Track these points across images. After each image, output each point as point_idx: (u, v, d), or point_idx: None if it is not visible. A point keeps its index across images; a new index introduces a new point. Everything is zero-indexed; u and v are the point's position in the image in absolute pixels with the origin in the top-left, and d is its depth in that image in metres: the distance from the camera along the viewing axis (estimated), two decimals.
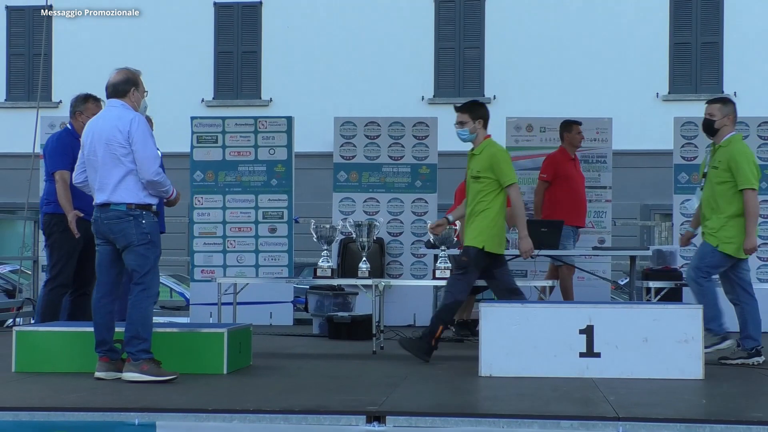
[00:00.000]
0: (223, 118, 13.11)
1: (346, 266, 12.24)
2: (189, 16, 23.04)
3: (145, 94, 7.51)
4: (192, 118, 13.12)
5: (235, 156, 12.81)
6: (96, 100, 9.18)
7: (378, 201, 12.91)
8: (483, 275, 8.72)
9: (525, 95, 21.79)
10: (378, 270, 12.07)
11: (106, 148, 7.19)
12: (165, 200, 7.48)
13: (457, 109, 8.79)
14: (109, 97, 7.40)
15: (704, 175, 8.73)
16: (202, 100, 22.81)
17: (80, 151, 7.46)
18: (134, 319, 7.16)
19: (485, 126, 8.76)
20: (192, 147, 12.90)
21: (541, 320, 7.48)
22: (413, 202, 12.90)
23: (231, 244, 12.71)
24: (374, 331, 9.45)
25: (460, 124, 8.72)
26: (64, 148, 8.92)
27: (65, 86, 21.71)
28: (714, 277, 8.60)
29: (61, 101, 22.39)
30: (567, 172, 11.47)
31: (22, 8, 23.38)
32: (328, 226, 9.64)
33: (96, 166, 7.24)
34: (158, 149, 7.38)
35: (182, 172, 13.73)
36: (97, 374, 7.19)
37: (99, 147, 7.22)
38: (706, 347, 7.90)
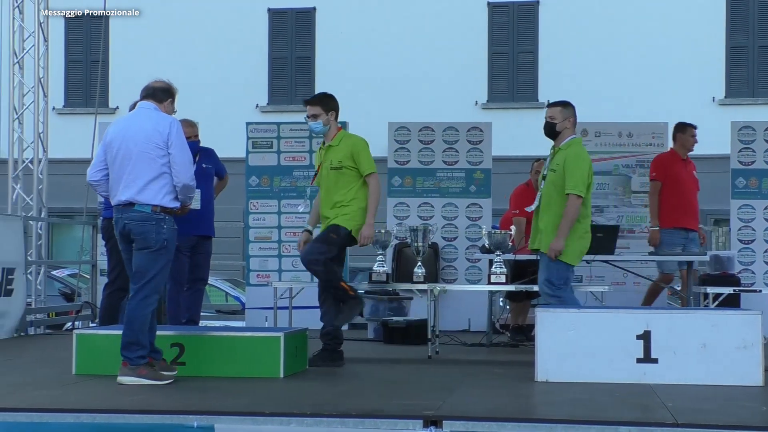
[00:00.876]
0: (278, 124, 13.19)
1: (401, 271, 12.24)
2: (243, 22, 23.19)
3: (174, 112, 7.63)
4: (247, 124, 13.22)
5: (290, 161, 12.88)
6: (190, 123, 9.34)
7: (432, 206, 12.91)
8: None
9: (579, 100, 21.40)
10: (433, 275, 12.06)
11: (142, 148, 7.22)
12: (179, 208, 7.47)
13: (309, 102, 8.63)
14: (144, 98, 7.46)
15: (544, 178, 8.68)
16: (257, 106, 22.94)
17: (100, 149, 7.50)
18: (133, 325, 7.17)
19: (337, 118, 8.68)
20: (247, 152, 12.98)
21: (598, 325, 7.44)
22: (467, 206, 12.89)
23: (286, 248, 12.77)
24: (429, 336, 9.45)
25: (314, 117, 8.56)
26: None
27: (122, 92, 21.94)
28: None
29: (117, 107, 22.62)
30: (676, 173, 11.14)
31: (80, 16, 23.63)
32: (383, 230, 9.64)
33: (126, 164, 7.26)
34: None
35: (238, 178, 13.80)
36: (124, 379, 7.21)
37: (133, 146, 7.24)
38: None
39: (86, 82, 23.75)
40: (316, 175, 8.77)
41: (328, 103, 8.63)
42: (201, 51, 23.03)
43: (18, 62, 13.26)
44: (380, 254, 9.57)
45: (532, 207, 8.71)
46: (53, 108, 21.39)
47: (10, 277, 11.10)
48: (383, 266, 9.52)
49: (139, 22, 23.04)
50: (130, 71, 22.65)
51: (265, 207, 12.86)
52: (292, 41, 23.40)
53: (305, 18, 23.39)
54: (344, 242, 8.53)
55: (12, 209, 13.17)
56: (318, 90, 22.83)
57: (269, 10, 23.38)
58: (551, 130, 8.65)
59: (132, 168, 7.23)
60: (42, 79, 13.30)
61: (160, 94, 7.43)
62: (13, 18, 13.24)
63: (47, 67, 13.41)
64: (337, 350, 8.49)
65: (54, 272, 16.67)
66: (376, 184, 8.57)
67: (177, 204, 7.32)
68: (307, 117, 8.58)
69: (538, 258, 8.58)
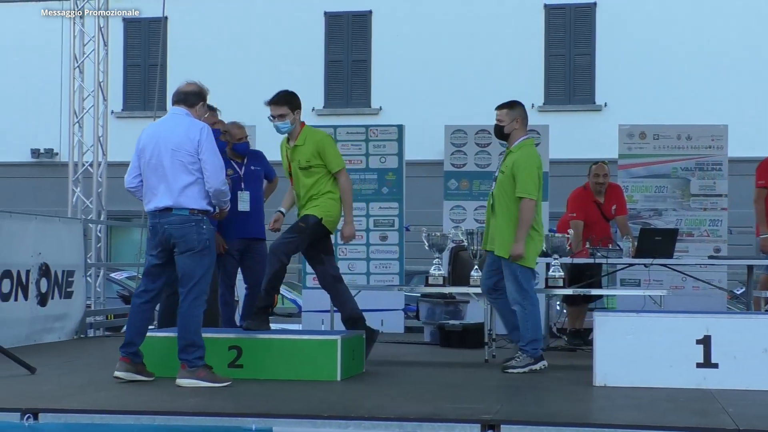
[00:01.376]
0: (335, 127, 13.21)
1: (457, 274, 12.16)
2: (299, 25, 23.27)
3: (206, 114, 7.67)
4: None
5: (347, 164, 12.86)
6: (213, 110, 9.35)
7: None
8: (312, 259, 8.55)
9: (637, 102, 21.51)
10: None
11: (174, 155, 7.26)
12: (217, 212, 7.51)
13: (274, 102, 8.42)
14: (175, 103, 7.51)
15: (495, 180, 8.67)
16: (313, 109, 23.01)
17: (134, 156, 7.55)
18: (189, 327, 7.23)
19: (300, 116, 8.55)
20: None
21: (657, 330, 7.37)
22: None
23: (342, 251, 12.79)
24: (486, 340, 9.42)
25: (280, 117, 8.37)
26: None
27: None
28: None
29: None
30: None
31: (139, 20, 23.84)
32: (439, 234, 9.65)
33: (159, 170, 7.30)
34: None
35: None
36: (117, 373, 7.28)
37: (165, 152, 7.29)
38: (516, 366, 8.26)
39: (144, 85, 23.98)
40: (291, 176, 8.58)
41: (293, 101, 8.48)
42: (257, 54, 23.15)
43: (78, 66, 13.41)
44: (437, 257, 9.56)
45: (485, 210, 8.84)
46: (112, 111, 21.59)
47: (70, 279, 11.23)
48: (440, 269, 9.52)
49: (196, 26, 23.22)
50: (187, 74, 22.74)
51: None
52: (348, 44, 23.45)
53: (361, 21, 23.44)
54: (313, 230, 8.40)
55: (72, 212, 13.32)
56: (375, 93, 22.95)
57: (326, 13, 23.45)
58: (500, 133, 8.68)
59: (167, 175, 7.28)
60: (102, 83, 13.44)
61: (192, 98, 7.47)
62: (74, 23, 13.41)
63: (107, 71, 13.56)
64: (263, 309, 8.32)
65: (113, 275, 16.84)
66: (346, 180, 8.50)
67: (212, 208, 7.38)
68: (273, 117, 8.39)
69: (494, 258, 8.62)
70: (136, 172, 7.46)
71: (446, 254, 12.30)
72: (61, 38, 13.56)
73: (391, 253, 12.79)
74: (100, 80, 13.42)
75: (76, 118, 13.44)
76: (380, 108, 22.90)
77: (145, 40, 24.01)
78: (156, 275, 7.40)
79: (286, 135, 8.54)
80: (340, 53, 23.45)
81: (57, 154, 23.65)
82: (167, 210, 7.26)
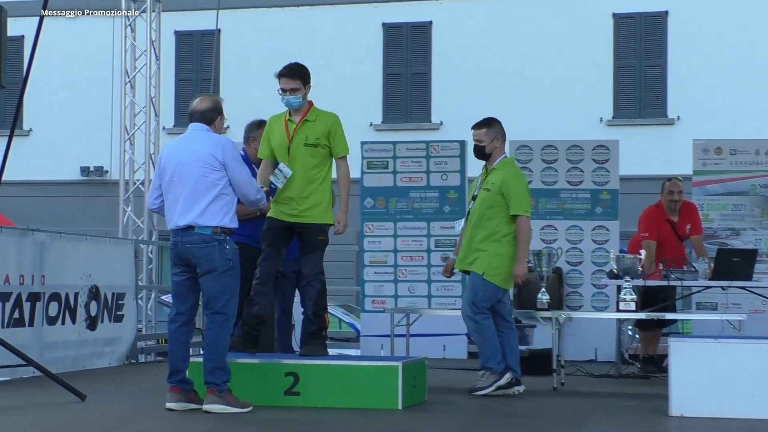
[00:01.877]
0: (394, 143, 13.20)
1: (523, 297, 12.11)
2: (357, 38, 23.33)
3: (225, 121, 7.69)
4: (362, 143, 13.26)
5: (407, 182, 12.88)
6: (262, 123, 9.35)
7: (556, 228, 12.79)
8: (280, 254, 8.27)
9: (712, 115, 21.30)
10: (557, 301, 11.94)
11: (198, 171, 7.28)
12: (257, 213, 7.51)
13: (287, 75, 8.23)
14: (193, 122, 7.53)
15: (474, 198, 8.70)
16: (371, 124, 23.05)
17: (155, 176, 7.58)
18: (217, 350, 7.24)
19: (309, 92, 8.39)
20: (362, 173, 13.02)
21: (738, 356, 7.25)
22: (593, 229, 12.73)
23: (402, 273, 12.76)
24: (554, 366, 9.34)
25: (293, 90, 8.19)
26: None
27: (232, 111, 22.18)
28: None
29: (228, 126, 22.91)
30: None
31: (191, 33, 24.06)
32: None
33: (180, 188, 7.32)
34: None
35: (352, 199, 13.81)
36: (169, 405, 7.28)
37: (189, 170, 7.31)
38: (483, 387, 8.36)
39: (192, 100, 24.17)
40: (288, 152, 8.12)
41: (306, 75, 8.36)
42: (312, 68, 23.12)
43: (130, 81, 13.52)
44: None
45: (458, 227, 8.86)
46: (163, 128, 21.74)
47: (120, 302, 11.29)
48: None
49: (250, 39, 23.36)
50: (240, 89, 22.95)
51: (380, 230, 12.87)
52: (407, 57, 23.47)
53: (421, 33, 23.45)
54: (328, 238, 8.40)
55: (123, 232, 13.42)
56: (435, 108, 22.92)
57: (384, 25, 23.50)
58: (481, 153, 8.76)
59: (189, 192, 7.30)
60: (153, 99, 13.55)
61: (209, 114, 7.51)
62: (125, 36, 13.53)
63: (158, 86, 13.66)
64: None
65: (164, 297, 16.93)
66: (347, 167, 8.30)
67: (236, 224, 7.40)
68: (284, 91, 8.21)
69: (466, 275, 8.72)
70: (159, 192, 7.51)
71: None
72: (112, 52, 13.71)
73: (454, 275, 12.68)
74: (152, 95, 13.52)
75: (127, 134, 13.54)
76: (441, 123, 22.88)
77: (197, 53, 24.19)
78: (185, 296, 7.43)
79: (286, 111, 8.29)
80: (399, 66, 23.47)
81: (107, 172, 23.87)
82: (189, 228, 7.29)
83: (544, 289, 9.36)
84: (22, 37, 22.85)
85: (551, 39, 22.51)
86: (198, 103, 7.58)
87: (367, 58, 23.27)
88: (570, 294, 12.69)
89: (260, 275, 8.01)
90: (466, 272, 8.83)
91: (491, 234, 8.56)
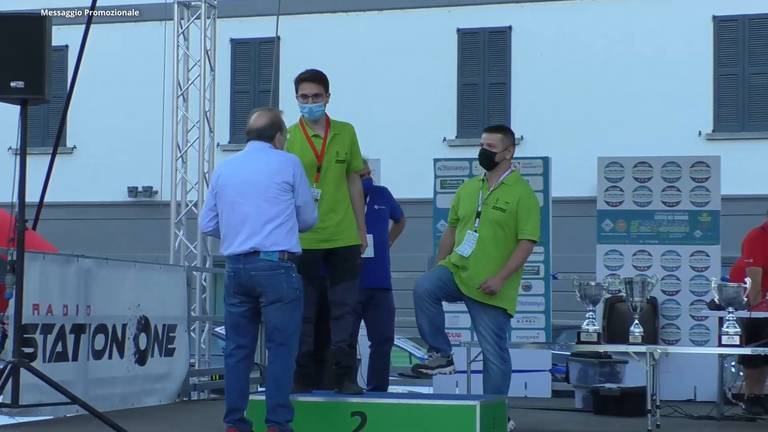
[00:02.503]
0: (470, 160, 13.19)
1: (613, 330, 12.08)
2: (428, 44, 23.35)
3: (287, 136, 7.71)
4: (435, 161, 13.29)
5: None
6: None
7: (650, 254, 12.72)
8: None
9: None
10: (651, 334, 11.86)
11: (267, 192, 7.33)
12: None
13: (310, 80, 8.21)
14: (253, 139, 7.57)
15: (478, 215, 8.49)
16: (444, 139, 23.07)
17: (209, 196, 7.63)
18: (281, 386, 7.27)
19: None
20: (435, 193, 13.05)
21: None
22: (692, 255, 12.65)
23: None
24: (649, 407, 9.28)
25: (316, 97, 8.18)
26: None
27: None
28: None
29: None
30: None
31: (248, 41, 24.25)
32: (593, 283, 9.56)
33: (243, 209, 7.36)
34: None
35: (424, 221, 13.90)
36: None
37: (251, 189, 7.35)
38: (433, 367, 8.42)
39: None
40: (319, 171, 8.16)
41: (327, 82, 8.36)
42: (380, 78, 23.32)
43: (182, 94, 13.64)
44: (590, 310, 9.48)
45: (467, 251, 8.52)
46: (218, 144, 21.91)
47: (171, 334, 11.39)
48: (593, 324, 9.44)
49: (312, 47, 23.46)
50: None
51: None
52: (484, 65, 23.48)
53: (499, 39, 23.45)
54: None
55: (174, 258, 13.52)
56: (515, 121, 22.84)
57: (458, 30, 23.54)
58: (489, 160, 8.62)
59: (252, 214, 7.35)
60: (208, 113, 13.64)
61: (268, 131, 7.55)
62: (177, 45, 13.65)
63: (213, 99, 13.76)
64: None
65: (218, 329, 17.05)
66: (361, 184, 8.46)
67: (300, 249, 7.44)
68: (306, 97, 8.20)
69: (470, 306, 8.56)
70: (213, 213, 7.57)
71: (600, 306, 12.22)
72: (163, 63, 13.82)
73: (535, 305, 12.69)
74: (206, 109, 13.62)
75: (179, 152, 13.65)
76: (521, 138, 22.81)
77: (255, 63, 24.39)
78: (245, 328, 7.47)
79: (297, 124, 8.30)
80: (475, 75, 23.49)
81: (157, 192, 24.09)
82: (253, 254, 7.33)
83: (636, 321, 9.33)
84: (66, 47, 23.22)
85: (644, 44, 22.39)
86: (255, 119, 7.64)
87: (440, 66, 23.31)
88: (666, 326, 12.60)
89: (304, 313, 8.02)
90: (473, 300, 8.59)
91: (502, 258, 8.47)
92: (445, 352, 8.60)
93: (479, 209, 8.56)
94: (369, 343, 9.75)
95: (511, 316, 8.62)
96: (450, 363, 8.62)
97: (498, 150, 8.62)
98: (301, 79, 8.26)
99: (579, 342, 9.51)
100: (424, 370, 8.58)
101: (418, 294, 8.54)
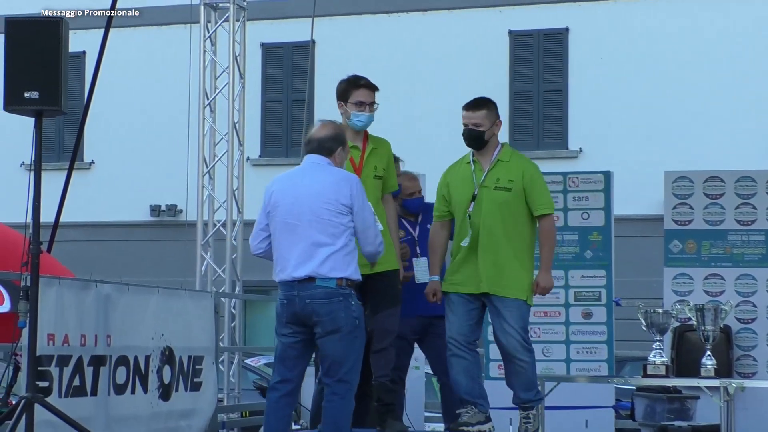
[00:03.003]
0: None
1: (683, 362, 12.02)
2: (477, 48, 23.33)
3: (348, 153, 7.72)
4: None
5: None
6: (395, 161, 9.48)
7: (723, 278, 12.65)
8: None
9: None
10: (725, 367, 11.78)
11: (318, 212, 7.36)
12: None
13: (369, 87, 8.44)
14: (311, 151, 7.58)
15: (473, 198, 8.38)
16: None
17: (261, 215, 7.63)
18: (340, 428, 7.30)
19: None
20: None
21: None
22: None
23: (535, 332, 12.69)
24: None
25: (372, 105, 8.40)
26: None
27: None
28: None
29: None
30: None
31: (280, 45, 24.31)
32: (660, 310, 9.53)
33: (298, 231, 7.39)
34: None
35: None
36: None
37: (307, 209, 7.39)
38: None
39: (287, 126, 24.36)
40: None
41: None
42: (425, 84, 23.33)
43: (209, 104, 13.66)
44: (657, 340, 9.44)
45: (466, 241, 8.43)
46: (248, 159, 21.97)
47: (197, 367, 11.39)
48: (661, 356, 9.41)
49: (350, 52, 23.48)
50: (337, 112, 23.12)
51: None
52: (538, 70, 23.45)
53: (555, 41, 23.41)
54: None
55: (200, 283, 13.54)
56: (573, 132, 22.81)
57: (510, 32, 23.50)
58: (480, 141, 8.54)
59: (308, 236, 7.38)
60: (237, 124, 13.66)
61: (329, 143, 7.59)
62: (204, 51, 13.69)
63: (243, 110, 13.79)
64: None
65: (248, 361, 17.08)
66: (396, 205, 8.59)
67: (359, 276, 7.40)
68: (361, 105, 8.37)
69: (477, 303, 8.50)
70: (265, 233, 7.59)
71: (668, 336, 12.16)
72: (188, 70, 13.86)
73: (597, 334, 12.63)
74: (235, 120, 13.64)
75: (206, 167, 13.67)
76: (580, 150, 22.79)
77: (288, 70, 24.45)
78: (294, 361, 7.49)
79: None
80: (529, 82, 23.47)
81: (181, 211, 24.18)
82: (308, 280, 7.35)
83: (709, 353, 9.28)
84: (84, 53, 23.37)
85: (714, 47, 22.29)
86: (317, 129, 7.70)
87: (490, 72, 23.28)
88: (741, 358, 12.52)
89: None
90: (481, 294, 8.56)
91: (521, 245, 8.47)
92: (483, 407, 8.60)
93: (475, 192, 8.49)
94: (434, 375, 9.76)
95: (530, 306, 8.62)
96: (488, 419, 8.64)
97: (486, 128, 8.58)
98: (358, 85, 8.40)
99: (645, 375, 9.47)
100: (465, 428, 8.49)
101: (450, 341, 8.52)
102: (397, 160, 9.17)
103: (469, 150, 8.68)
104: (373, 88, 8.44)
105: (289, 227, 7.44)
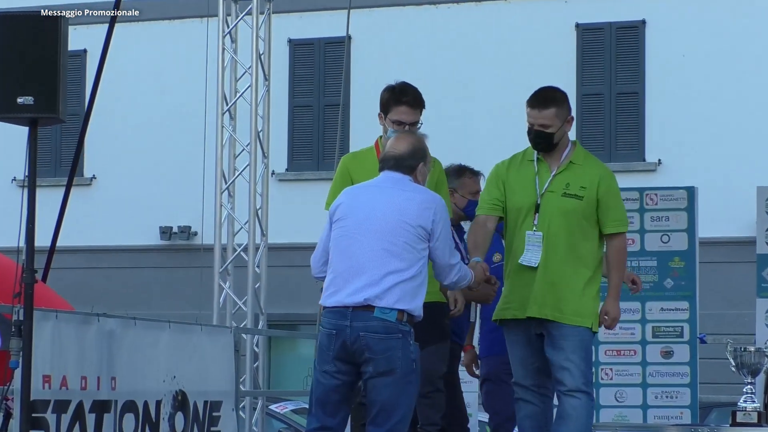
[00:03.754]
0: None
1: None
2: (540, 42, 23.28)
3: (431, 167, 7.75)
4: None
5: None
6: (474, 173, 9.52)
7: None
8: None
9: None
10: None
11: (390, 233, 7.37)
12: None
13: (411, 104, 8.47)
14: (388, 168, 7.62)
15: (536, 208, 8.24)
16: None
17: (326, 231, 7.66)
18: None
19: None
20: None
21: None
22: None
23: (607, 373, 12.71)
24: None
25: (413, 126, 8.45)
26: None
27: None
28: None
29: None
30: None
31: (311, 42, 24.34)
32: (752, 348, 9.51)
33: (361, 252, 7.41)
34: None
35: None
36: None
37: (378, 230, 7.41)
38: None
39: (318, 135, 24.36)
40: None
41: (424, 104, 8.59)
42: (479, 85, 23.32)
43: (229, 110, 13.69)
44: (748, 383, 9.42)
45: (535, 258, 8.26)
46: (273, 173, 21.99)
47: (215, 414, 11.43)
48: (753, 401, 9.39)
49: (391, 49, 23.50)
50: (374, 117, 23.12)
51: None
52: (610, 70, 23.39)
53: (629, 36, 23.33)
54: None
55: (218, 318, 13.57)
56: (651, 141, 22.76)
57: (578, 26, 23.44)
58: (548, 143, 8.43)
59: (373, 258, 7.39)
60: (261, 133, 13.67)
61: (409, 161, 7.61)
62: (223, 49, 13.72)
63: (267, 117, 13.82)
64: None
65: (273, 407, 17.10)
66: None
67: (422, 313, 7.44)
68: (400, 124, 8.39)
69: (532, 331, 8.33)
70: (327, 255, 7.60)
71: (762, 378, 12.12)
72: (205, 71, 13.96)
73: (678, 376, 12.62)
74: (259, 129, 13.66)
75: (225, 183, 13.71)
76: (659, 162, 22.76)
77: (319, 70, 24.46)
78: (336, 405, 7.49)
79: (371, 147, 8.57)
80: (600, 83, 23.44)
81: (196, 234, 24.23)
82: (366, 309, 7.35)
83: None
84: (84, 52, 23.53)
85: None
86: (393, 143, 7.76)
87: (554, 71, 23.16)
88: None
89: None
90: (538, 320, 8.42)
91: (588, 265, 8.36)
92: None
93: (539, 201, 8.40)
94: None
95: (595, 333, 8.47)
96: None
97: (556, 128, 8.47)
98: (399, 101, 8.41)
99: (734, 423, 9.45)
100: None
101: (515, 387, 8.46)
102: (477, 173, 9.24)
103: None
104: (418, 106, 8.45)
105: (353, 245, 7.45)
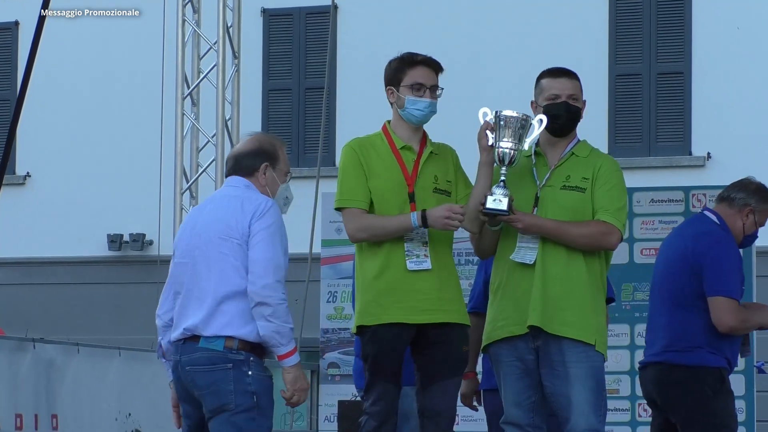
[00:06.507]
0: (630, 190, 13.20)
1: None
2: (570, 20, 23.29)
3: (288, 176, 7.76)
4: None
5: (652, 256, 12.88)
6: None
7: None
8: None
9: None
10: None
11: (213, 250, 7.46)
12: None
13: (428, 64, 8.49)
14: (228, 171, 7.73)
15: (536, 202, 8.32)
16: None
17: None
18: None
19: None
20: None
21: None
22: None
23: (645, 409, 12.74)
24: None
25: (435, 90, 8.48)
26: None
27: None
28: None
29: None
30: None
31: (288, 12, 24.33)
32: None
33: (193, 278, 7.50)
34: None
35: None
36: None
37: (199, 248, 7.52)
38: None
39: (298, 123, 24.39)
40: (413, 201, 8.29)
41: None
42: (499, 67, 23.36)
43: (190, 94, 13.70)
44: None
45: (529, 258, 8.28)
46: None
47: None
48: None
49: (385, 22, 23.51)
50: (369, 101, 23.14)
51: (611, 335, 12.88)
52: (649, 48, 23.39)
53: (671, 9, 23.33)
54: None
55: None
56: (698, 132, 22.80)
57: (611, 2, 23.41)
58: (574, 120, 8.65)
59: (200, 281, 7.48)
60: (228, 122, 13.69)
61: (247, 161, 7.70)
62: (183, 20, 13.72)
63: (237, 101, 13.84)
64: None
65: None
66: None
67: (264, 339, 7.45)
68: (420, 88, 8.40)
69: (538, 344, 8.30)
70: (171, 292, 7.71)
71: None
72: (162, 48, 13.97)
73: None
74: (227, 116, 13.69)
75: (186, 182, 13.73)
76: (708, 156, 22.78)
77: (299, 46, 24.46)
78: None
79: (379, 133, 8.52)
80: (637, 62, 23.46)
81: (152, 243, 24.26)
82: (192, 340, 7.45)
83: None
84: (16, 24, 23.54)
85: None
86: (239, 144, 7.90)
87: (583, 48, 23.25)
88: None
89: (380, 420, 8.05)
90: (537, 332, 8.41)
91: (591, 270, 8.42)
92: None
93: (538, 194, 8.46)
94: None
95: (602, 356, 8.43)
96: None
97: (582, 104, 8.69)
98: (415, 62, 8.40)
99: None
100: None
101: (509, 427, 8.42)
102: None
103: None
104: (436, 68, 8.45)
105: (187, 274, 7.56)
